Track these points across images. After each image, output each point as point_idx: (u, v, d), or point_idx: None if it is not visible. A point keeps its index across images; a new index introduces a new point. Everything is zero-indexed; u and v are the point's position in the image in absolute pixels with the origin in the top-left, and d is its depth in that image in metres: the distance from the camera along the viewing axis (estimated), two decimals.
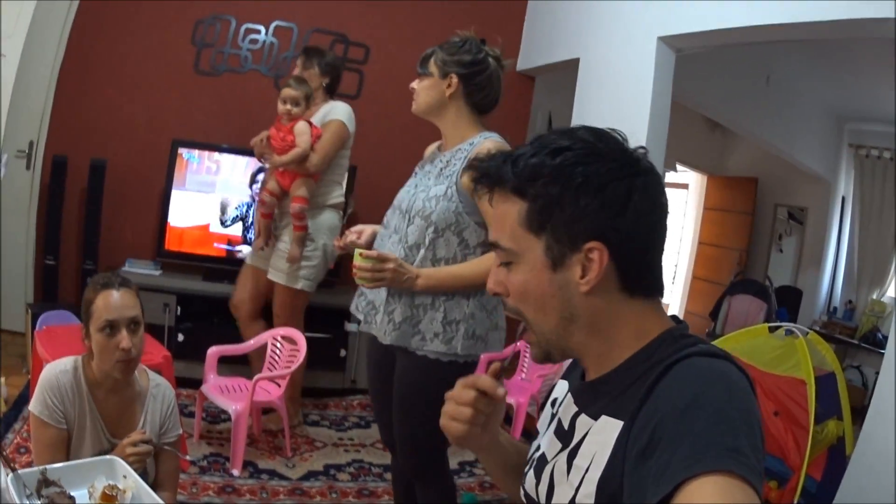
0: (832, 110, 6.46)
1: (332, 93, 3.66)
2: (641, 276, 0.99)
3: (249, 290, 3.71)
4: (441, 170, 2.18)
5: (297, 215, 3.44)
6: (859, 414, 2.76)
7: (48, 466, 1.59)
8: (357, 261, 2.05)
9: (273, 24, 4.64)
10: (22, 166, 4.29)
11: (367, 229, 2.32)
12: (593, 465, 0.94)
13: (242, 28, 4.58)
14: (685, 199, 8.28)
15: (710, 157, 7.75)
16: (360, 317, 2.29)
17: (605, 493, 0.91)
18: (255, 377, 3.31)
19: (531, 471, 1.11)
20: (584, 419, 1.01)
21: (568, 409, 1.07)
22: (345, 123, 3.51)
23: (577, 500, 0.95)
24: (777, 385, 3.13)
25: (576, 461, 0.98)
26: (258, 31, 4.61)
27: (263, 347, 3.59)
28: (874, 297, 6.50)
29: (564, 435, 1.05)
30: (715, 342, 3.53)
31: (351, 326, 4.29)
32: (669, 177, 7.50)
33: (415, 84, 2.24)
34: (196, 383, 3.55)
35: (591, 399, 1.02)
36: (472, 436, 1.08)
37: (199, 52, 4.52)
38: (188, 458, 3.18)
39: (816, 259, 6.85)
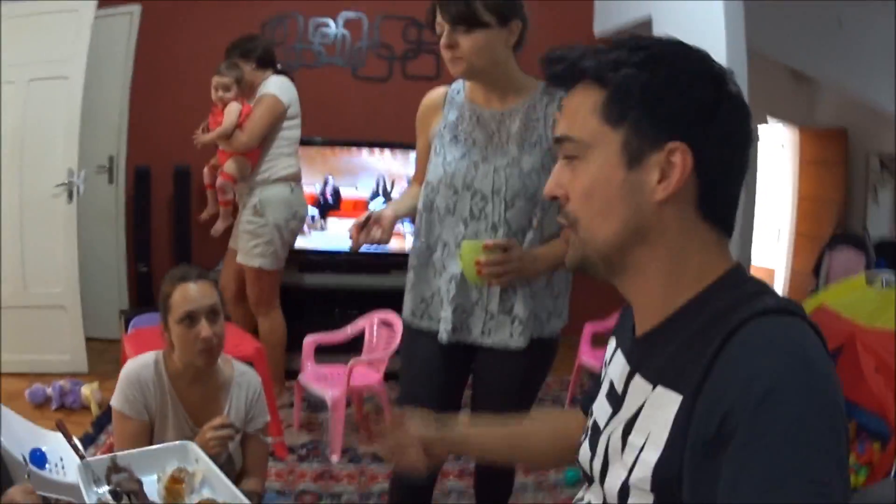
0: None
1: (268, 67, 3.56)
2: (719, 200, 0.90)
3: (230, 272, 3.74)
4: (521, 134, 1.86)
5: (220, 189, 3.49)
6: None
7: (118, 454, 1.61)
8: (481, 255, 1.74)
9: (341, 16, 4.67)
10: (104, 181, 4.46)
11: (385, 216, 1.89)
12: (648, 445, 0.86)
13: (311, 23, 4.63)
14: (780, 155, 7.93)
15: (799, 108, 7.43)
16: (442, 327, 1.93)
17: (661, 479, 0.83)
18: (351, 362, 3.29)
19: (586, 441, 1.03)
20: (638, 382, 0.92)
21: (620, 368, 0.99)
22: (276, 95, 3.45)
23: (630, 483, 0.88)
24: (877, 339, 2.96)
25: (630, 437, 0.89)
26: (327, 25, 4.67)
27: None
28: None
29: (616, 399, 0.97)
30: (814, 298, 3.40)
31: None
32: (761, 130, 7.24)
33: (460, 39, 1.76)
34: (295, 374, 3.56)
35: (645, 355, 0.93)
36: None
37: None
38: (278, 440, 3.16)
39: None
